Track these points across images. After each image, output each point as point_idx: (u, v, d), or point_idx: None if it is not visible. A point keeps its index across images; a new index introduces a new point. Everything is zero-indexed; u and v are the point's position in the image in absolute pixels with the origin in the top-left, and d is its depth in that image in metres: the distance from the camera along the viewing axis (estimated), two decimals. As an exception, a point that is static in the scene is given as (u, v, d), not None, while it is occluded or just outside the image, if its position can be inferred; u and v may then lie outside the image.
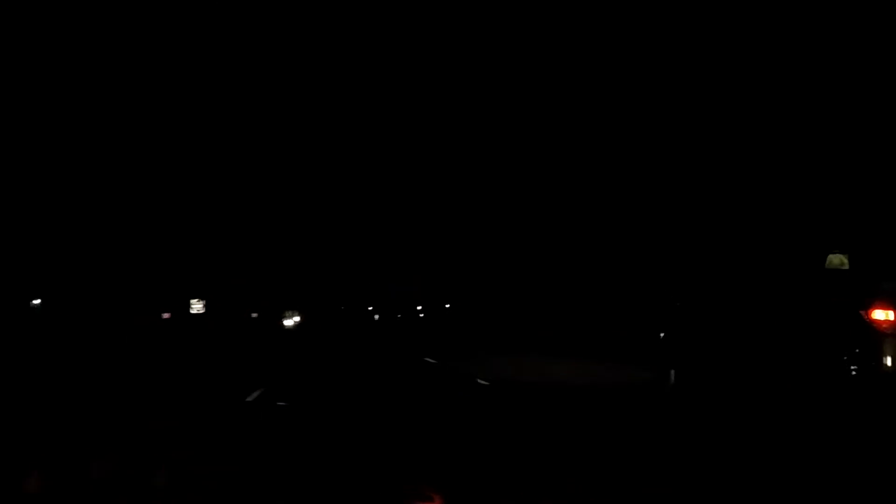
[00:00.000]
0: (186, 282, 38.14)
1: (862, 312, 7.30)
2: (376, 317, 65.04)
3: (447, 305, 61.16)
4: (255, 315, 37.30)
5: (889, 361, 7.05)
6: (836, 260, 7.71)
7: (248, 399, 9.06)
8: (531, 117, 34.33)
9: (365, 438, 5.07)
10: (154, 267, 35.43)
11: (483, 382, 12.87)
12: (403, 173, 52.11)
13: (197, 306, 36.12)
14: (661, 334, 11.34)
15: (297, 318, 42.60)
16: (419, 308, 70.50)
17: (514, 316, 39.15)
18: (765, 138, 19.75)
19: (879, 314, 7.24)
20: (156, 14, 29.27)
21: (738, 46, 20.63)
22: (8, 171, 24.34)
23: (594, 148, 28.73)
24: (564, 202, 32.32)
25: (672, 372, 10.41)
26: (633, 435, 6.74)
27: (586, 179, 29.94)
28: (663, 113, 23.90)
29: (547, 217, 34.15)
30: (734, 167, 20.72)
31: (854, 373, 7.31)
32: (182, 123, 33.91)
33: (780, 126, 19.29)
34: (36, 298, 27.80)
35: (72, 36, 25.40)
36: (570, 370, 15.03)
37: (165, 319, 31.91)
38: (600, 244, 29.74)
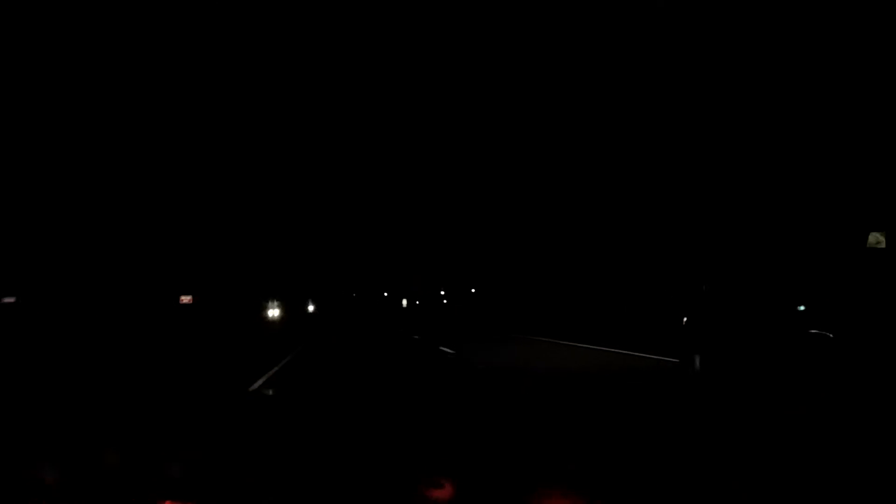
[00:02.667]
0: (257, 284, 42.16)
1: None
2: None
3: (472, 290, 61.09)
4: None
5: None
6: (873, 238, 7.39)
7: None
8: (539, 104, 34.07)
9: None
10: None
11: (497, 366, 12.70)
12: (411, 173, 52.11)
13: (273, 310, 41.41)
14: (685, 319, 11.08)
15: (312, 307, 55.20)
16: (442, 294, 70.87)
17: (529, 302, 39.07)
18: (792, 115, 19.35)
19: None
20: (156, 14, 29.17)
21: (752, 26, 20.21)
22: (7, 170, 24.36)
23: (610, 129, 28.40)
24: (584, 185, 32.03)
25: (697, 357, 10.16)
26: (654, 421, 6.49)
27: (604, 162, 29.64)
28: (685, 93, 23.50)
29: (566, 203, 33.88)
30: (761, 146, 20.34)
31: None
32: (191, 122, 33.90)
33: (809, 101, 18.89)
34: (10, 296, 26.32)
35: (72, 36, 25.33)
36: (591, 356, 14.77)
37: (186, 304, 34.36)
38: (620, 230, 29.46)
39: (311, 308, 57.83)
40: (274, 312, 42.05)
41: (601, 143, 29.43)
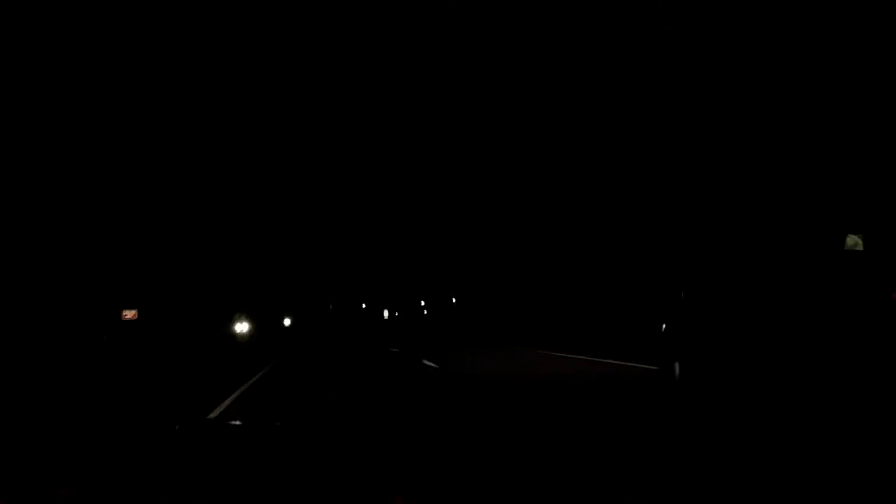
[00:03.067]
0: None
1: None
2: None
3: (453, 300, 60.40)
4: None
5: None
6: (850, 241, 7.37)
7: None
8: (521, 108, 34.09)
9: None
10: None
11: (479, 376, 12.61)
12: (388, 182, 52.00)
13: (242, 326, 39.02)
14: (663, 326, 11.01)
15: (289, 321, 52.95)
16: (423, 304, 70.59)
17: (511, 311, 39.06)
18: (770, 118, 19.44)
19: None
20: (156, 14, 28.91)
21: (745, 26, 20.31)
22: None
23: (589, 135, 28.47)
24: (560, 192, 32.07)
25: (677, 365, 10.09)
26: (635, 430, 6.39)
27: (582, 167, 29.69)
28: (661, 98, 23.60)
29: (545, 213, 33.93)
30: (739, 149, 20.41)
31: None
32: (181, 123, 33.20)
33: (786, 105, 18.99)
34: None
35: (72, 36, 24.99)
36: (570, 365, 14.69)
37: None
38: (599, 238, 29.51)
39: (287, 322, 56.24)
40: (242, 327, 37.35)
41: (580, 152, 29.50)
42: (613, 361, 14.52)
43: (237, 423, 7.55)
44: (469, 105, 38.98)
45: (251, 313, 39.80)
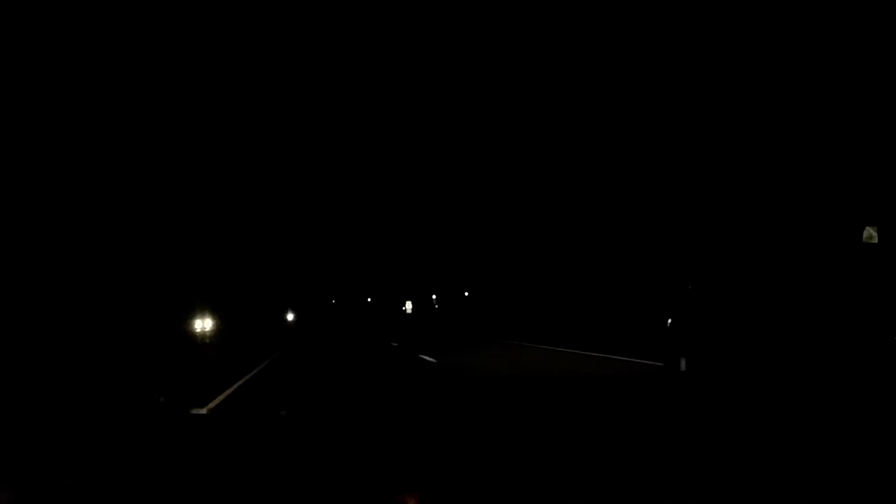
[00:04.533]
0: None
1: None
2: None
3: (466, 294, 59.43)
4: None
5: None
6: (866, 233, 7.35)
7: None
8: (524, 109, 34.13)
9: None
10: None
11: (484, 373, 12.60)
12: (398, 175, 51.80)
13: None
14: (669, 321, 11.01)
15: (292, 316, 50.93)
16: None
17: (522, 306, 38.95)
18: (781, 110, 19.33)
19: None
20: (156, 14, 28.90)
21: (754, 20, 20.23)
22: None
23: (598, 130, 28.43)
24: (572, 189, 32.07)
25: (682, 360, 10.10)
26: (641, 425, 6.37)
27: (591, 165, 29.66)
28: (667, 91, 23.53)
29: (556, 207, 33.91)
30: (746, 142, 20.33)
31: None
32: (181, 123, 32.97)
33: (797, 96, 18.88)
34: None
35: (71, 36, 24.96)
36: (574, 360, 14.68)
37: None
38: (604, 231, 29.48)
39: (290, 317, 55.48)
40: (203, 325, 29.70)
41: (589, 147, 29.46)
42: (620, 358, 14.50)
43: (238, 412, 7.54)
44: (478, 101, 39.01)
45: (218, 307, 32.93)
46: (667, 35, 22.63)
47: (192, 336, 28.05)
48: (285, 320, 53.24)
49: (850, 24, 18.10)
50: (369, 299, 75.96)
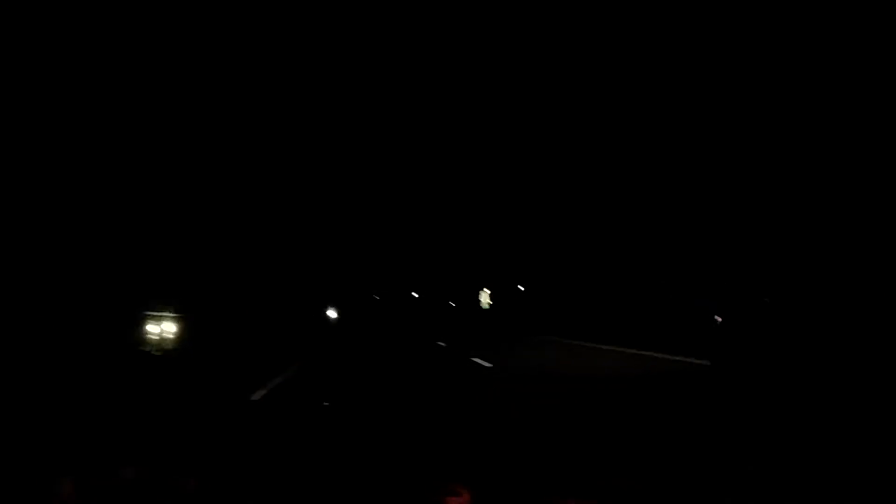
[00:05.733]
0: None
1: None
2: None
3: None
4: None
5: None
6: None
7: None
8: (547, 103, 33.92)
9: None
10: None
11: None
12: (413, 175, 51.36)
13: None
14: (718, 319, 10.99)
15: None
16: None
17: (575, 302, 38.68)
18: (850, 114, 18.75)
19: None
20: (155, 14, 29.38)
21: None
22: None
23: (651, 126, 28.15)
24: (621, 184, 31.86)
25: (731, 360, 10.07)
26: (689, 426, 6.41)
27: (650, 157, 29.37)
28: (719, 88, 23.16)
29: (612, 200, 33.69)
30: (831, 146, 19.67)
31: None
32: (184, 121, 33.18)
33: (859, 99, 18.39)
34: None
35: (71, 35, 25.51)
36: (622, 359, 14.67)
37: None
38: (657, 229, 29.24)
39: (332, 314, 53.56)
40: (163, 330, 18.91)
41: (642, 143, 29.19)
42: (665, 356, 14.47)
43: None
44: (529, 95, 38.80)
45: (188, 305, 23.10)
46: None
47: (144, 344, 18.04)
48: (327, 318, 50.57)
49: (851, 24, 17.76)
50: (415, 294, 73.28)
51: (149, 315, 18.98)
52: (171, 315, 19.61)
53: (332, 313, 49.76)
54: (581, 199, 37.09)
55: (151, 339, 18.41)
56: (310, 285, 46.97)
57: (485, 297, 54.13)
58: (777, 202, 21.08)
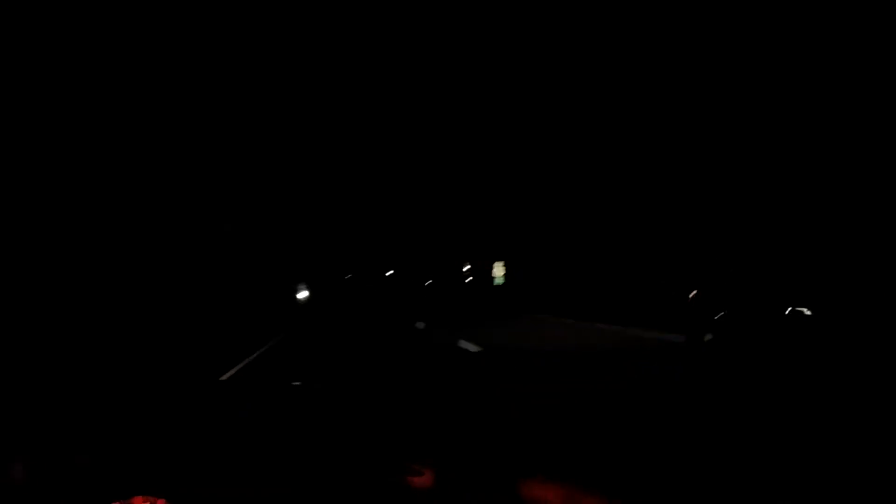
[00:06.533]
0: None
1: None
2: None
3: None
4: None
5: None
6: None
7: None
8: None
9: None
10: None
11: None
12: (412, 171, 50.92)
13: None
14: (692, 293, 11.06)
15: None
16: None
17: (552, 276, 38.75)
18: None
19: None
20: (155, 14, 28.90)
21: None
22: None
23: (636, 123, 28.21)
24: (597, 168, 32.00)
25: (707, 334, 10.13)
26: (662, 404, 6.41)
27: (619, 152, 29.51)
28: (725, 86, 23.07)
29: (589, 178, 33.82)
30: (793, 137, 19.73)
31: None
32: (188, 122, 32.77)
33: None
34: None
35: (71, 35, 25.05)
36: (589, 335, 14.72)
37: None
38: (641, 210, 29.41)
39: (302, 295, 51.15)
40: None
41: (628, 140, 29.29)
42: (637, 331, 14.53)
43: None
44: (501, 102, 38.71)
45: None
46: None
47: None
48: (295, 298, 47.90)
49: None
50: (390, 273, 71.27)
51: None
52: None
53: (302, 294, 48.26)
54: (577, 182, 37.19)
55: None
56: (276, 263, 45.85)
57: (499, 271, 46.71)
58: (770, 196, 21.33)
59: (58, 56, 24.65)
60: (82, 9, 25.06)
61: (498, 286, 45.20)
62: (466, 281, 55.75)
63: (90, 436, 2.44)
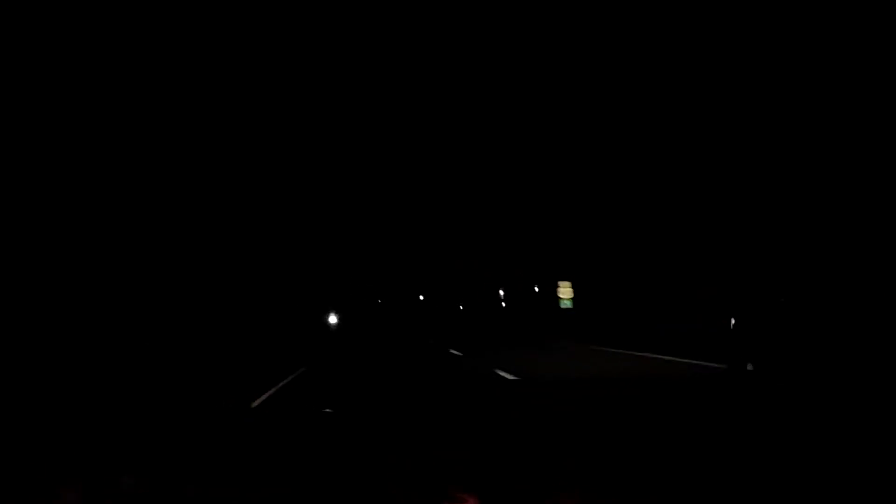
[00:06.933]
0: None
1: None
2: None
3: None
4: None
5: None
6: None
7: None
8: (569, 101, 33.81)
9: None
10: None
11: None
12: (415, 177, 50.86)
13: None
14: (732, 321, 10.84)
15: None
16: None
17: (592, 305, 38.45)
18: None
19: None
20: (155, 14, 29.32)
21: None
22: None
23: (665, 130, 27.99)
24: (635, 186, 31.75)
25: (749, 364, 9.91)
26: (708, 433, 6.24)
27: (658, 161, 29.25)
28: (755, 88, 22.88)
29: (623, 203, 33.58)
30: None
31: None
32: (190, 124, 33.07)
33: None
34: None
35: (71, 35, 25.50)
36: (635, 363, 14.52)
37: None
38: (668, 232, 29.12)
39: (332, 319, 51.83)
40: None
41: (662, 148, 29.06)
42: (680, 360, 14.31)
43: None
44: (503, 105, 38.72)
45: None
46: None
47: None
48: (327, 324, 48.67)
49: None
50: (422, 297, 71.56)
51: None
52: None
53: (332, 319, 48.66)
54: (593, 202, 36.98)
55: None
56: (308, 290, 46.68)
57: (566, 292, 42.09)
58: (788, 202, 20.98)
59: (66, 60, 24.98)
60: (83, 9, 25.40)
61: (566, 309, 41.60)
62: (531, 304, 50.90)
63: (129, 458, 2.44)
